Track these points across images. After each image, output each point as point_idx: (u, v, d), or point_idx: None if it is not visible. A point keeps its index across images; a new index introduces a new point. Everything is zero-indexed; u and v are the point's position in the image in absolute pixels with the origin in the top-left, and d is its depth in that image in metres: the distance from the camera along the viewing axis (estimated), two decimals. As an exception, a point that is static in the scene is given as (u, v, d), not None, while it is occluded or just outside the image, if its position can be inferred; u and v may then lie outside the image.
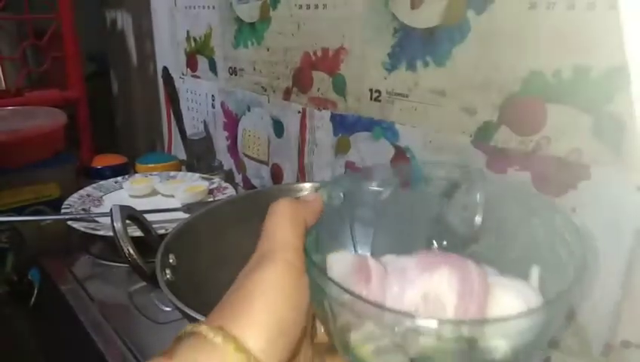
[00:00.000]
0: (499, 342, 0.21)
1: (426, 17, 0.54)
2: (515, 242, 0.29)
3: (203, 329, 0.22)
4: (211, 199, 0.80)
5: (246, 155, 0.93)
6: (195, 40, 1.00)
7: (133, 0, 1.23)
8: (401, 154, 0.62)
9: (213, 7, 0.91)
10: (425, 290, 0.24)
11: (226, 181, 0.87)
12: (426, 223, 0.32)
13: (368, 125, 0.65)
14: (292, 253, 0.24)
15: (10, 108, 0.97)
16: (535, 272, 0.26)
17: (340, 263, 0.26)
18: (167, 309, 0.57)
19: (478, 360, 0.22)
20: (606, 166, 0.43)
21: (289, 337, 0.23)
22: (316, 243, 0.26)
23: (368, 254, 0.27)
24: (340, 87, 0.68)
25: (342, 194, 0.30)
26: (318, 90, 0.72)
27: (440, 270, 0.24)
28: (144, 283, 0.55)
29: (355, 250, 0.28)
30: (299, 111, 0.76)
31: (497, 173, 0.51)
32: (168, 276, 0.46)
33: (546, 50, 0.45)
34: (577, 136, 0.44)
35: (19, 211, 0.82)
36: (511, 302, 0.23)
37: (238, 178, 0.98)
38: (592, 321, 0.47)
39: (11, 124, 0.88)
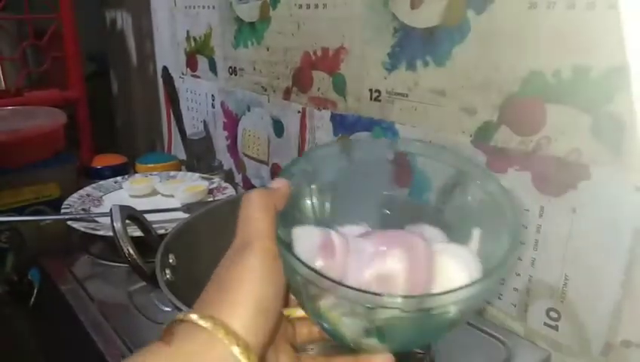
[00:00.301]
0: (449, 308, 0.25)
1: (425, 17, 0.54)
2: (458, 206, 0.34)
3: (194, 317, 0.24)
4: (211, 199, 0.80)
5: (246, 155, 0.93)
6: (194, 40, 1.00)
7: (133, 0, 1.23)
8: (400, 155, 0.61)
9: (213, 7, 0.91)
10: (379, 270, 0.28)
11: (225, 181, 0.87)
12: (379, 193, 0.37)
13: (368, 125, 0.65)
14: (267, 239, 0.27)
15: (10, 108, 0.97)
16: (476, 234, 0.31)
17: (305, 238, 0.29)
18: (167, 309, 0.57)
19: (432, 322, 0.27)
20: (606, 166, 0.43)
21: (270, 314, 0.26)
22: (285, 221, 0.29)
23: (330, 229, 0.31)
24: (339, 86, 0.68)
25: (301, 173, 0.33)
26: (318, 89, 0.72)
27: (393, 251, 0.28)
28: (144, 283, 0.55)
29: (318, 223, 0.31)
30: (299, 111, 0.76)
31: (497, 172, 0.51)
32: (168, 276, 0.46)
33: (546, 50, 0.45)
34: (577, 136, 0.44)
35: (19, 211, 0.82)
36: (455, 270, 0.28)
37: (238, 178, 0.98)
38: (592, 321, 0.47)
39: (11, 124, 0.88)
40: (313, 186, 0.34)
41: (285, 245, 0.27)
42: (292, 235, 0.30)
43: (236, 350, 0.23)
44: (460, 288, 0.25)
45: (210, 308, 0.25)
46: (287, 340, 0.31)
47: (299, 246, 0.29)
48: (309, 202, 0.34)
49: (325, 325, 0.28)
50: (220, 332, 0.23)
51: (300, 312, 0.31)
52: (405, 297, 0.25)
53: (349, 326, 0.27)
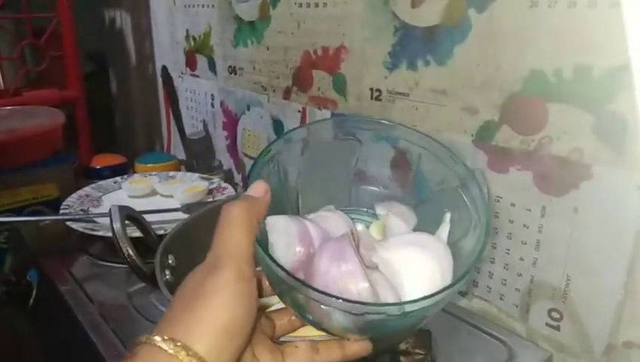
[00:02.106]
0: (427, 309, 0.27)
1: (426, 16, 0.54)
2: (429, 188, 0.36)
3: (157, 339, 0.24)
4: (211, 199, 0.80)
5: (246, 155, 0.93)
6: (194, 39, 1.00)
7: (132, -1, 1.22)
8: (400, 155, 0.61)
9: (213, 6, 0.90)
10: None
11: (225, 181, 0.87)
12: (347, 175, 0.38)
13: (368, 125, 0.65)
14: (242, 262, 0.26)
15: (8, 107, 0.96)
16: (447, 217, 0.33)
17: (281, 229, 0.30)
18: (167, 310, 0.56)
19: (412, 320, 0.29)
20: (608, 165, 0.43)
21: (238, 336, 0.25)
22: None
23: (304, 218, 0.32)
24: (340, 86, 0.68)
25: (271, 165, 0.33)
26: (319, 89, 0.72)
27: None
28: (143, 284, 0.55)
29: (290, 209, 0.32)
30: (299, 111, 0.76)
31: (499, 172, 0.51)
32: (167, 277, 0.46)
33: (547, 49, 0.45)
34: (579, 135, 0.44)
35: (17, 211, 0.82)
36: (424, 261, 0.29)
37: (238, 178, 0.97)
38: (594, 321, 0.47)
39: (10, 123, 0.87)
40: (282, 177, 0.34)
41: (265, 252, 0.26)
42: (266, 226, 0.30)
43: None
44: (439, 292, 0.26)
45: (175, 328, 0.24)
46: (266, 334, 0.30)
47: (274, 237, 0.30)
48: (280, 194, 0.34)
49: (309, 316, 0.28)
50: (181, 353, 0.23)
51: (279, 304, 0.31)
52: (388, 305, 0.26)
53: (331, 322, 0.27)
